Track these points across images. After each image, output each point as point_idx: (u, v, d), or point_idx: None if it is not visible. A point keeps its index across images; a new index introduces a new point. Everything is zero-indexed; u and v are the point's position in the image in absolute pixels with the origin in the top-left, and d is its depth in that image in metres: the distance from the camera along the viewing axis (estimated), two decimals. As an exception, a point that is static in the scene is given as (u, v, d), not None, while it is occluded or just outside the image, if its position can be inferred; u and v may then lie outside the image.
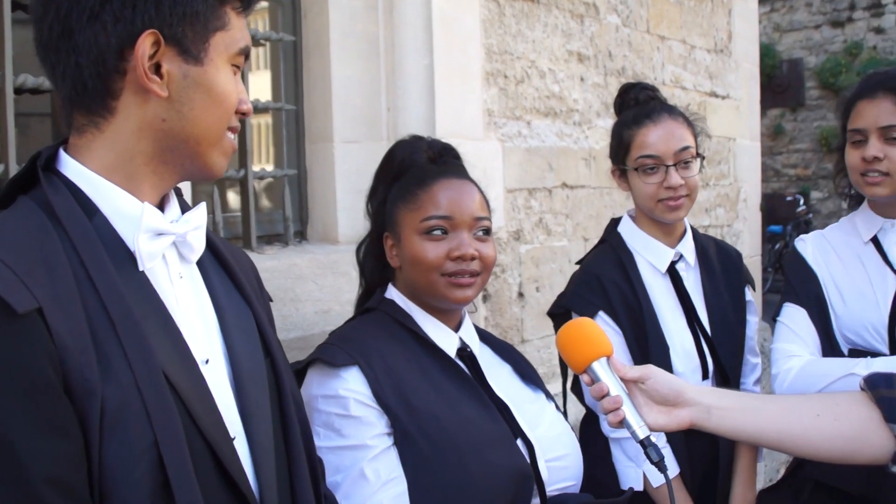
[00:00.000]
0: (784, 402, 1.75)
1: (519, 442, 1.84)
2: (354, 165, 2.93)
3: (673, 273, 2.43)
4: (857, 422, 1.63)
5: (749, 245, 5.18)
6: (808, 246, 2.41)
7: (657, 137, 2.36)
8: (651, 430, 1.64)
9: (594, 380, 1.67)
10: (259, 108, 2.88)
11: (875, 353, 2.20)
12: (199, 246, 1.34)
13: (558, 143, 3.60)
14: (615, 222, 2.57)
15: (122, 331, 1.16)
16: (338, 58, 2.93)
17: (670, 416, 1.67)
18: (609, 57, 3.94)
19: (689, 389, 1.68)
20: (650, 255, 2.43)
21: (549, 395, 2.07)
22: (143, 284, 1.24)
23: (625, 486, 2.38)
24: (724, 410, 1.66)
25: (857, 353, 2.25)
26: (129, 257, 1.24)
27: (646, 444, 1.62)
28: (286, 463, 1.42)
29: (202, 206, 1.35)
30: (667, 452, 2.30)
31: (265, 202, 3.06)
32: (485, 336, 2.10)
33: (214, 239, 1.44)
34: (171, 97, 1.23)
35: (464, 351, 1.95)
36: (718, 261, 2.54)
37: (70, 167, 1.26)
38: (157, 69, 1.22)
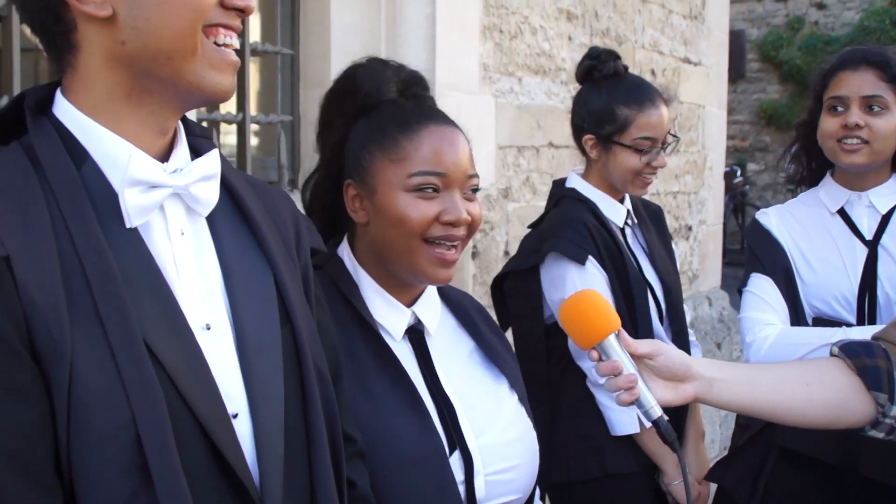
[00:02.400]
0: (775, 372, 1.76)
1: (456, 454, 1.62)
2: (351, 114, 2.85)
3: (621, 229, 2.54)
4: (841, 389, 1.66)
5: (713, 213, 5.25)
6: (772, 218, 2.44)
7: (658, 121, 2.47)
8: (661, 408, 1.58)
9: (603, 356, 1.58)
10: (254, 52, 2.78)
11: (841, 322, 2.25)
12: (208, 199, 1.16)
13: (546, 101, 3.57)
14: (560, 182, 2.62)
15: (98, 292, 1.02)
16: (337, 2, 2.85)
17: (676, 390, 1.62)
18: (595, 17, 3.91)
19: (695, 363, 1.65)
20: (607, 210, 2.51)
21: (513, 384, 1.80)
22: (133, 241, 1.09)
23: (618, 431, 2.40)
24: (724, 382, 1.65)
25: (822, 321, 2.30)
26: (119, 211, 1.09)
27: (660, 424, 1.56)
28: (304, 444, 1.25)
29: (214, 154, 1.18)
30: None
31: (257, 148, 2.97)
32: (451, 298, 1.83)
33: (239, 185, 1.27)
34: (119, 15, 1.07)
35: (413, 332, 1.70)
36: (648, 217, 2.68)
37: (62, 109, 1.12)
38: None
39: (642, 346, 1.60)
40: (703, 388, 1.64)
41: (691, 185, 4.94)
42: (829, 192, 2.40)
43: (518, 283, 2.50)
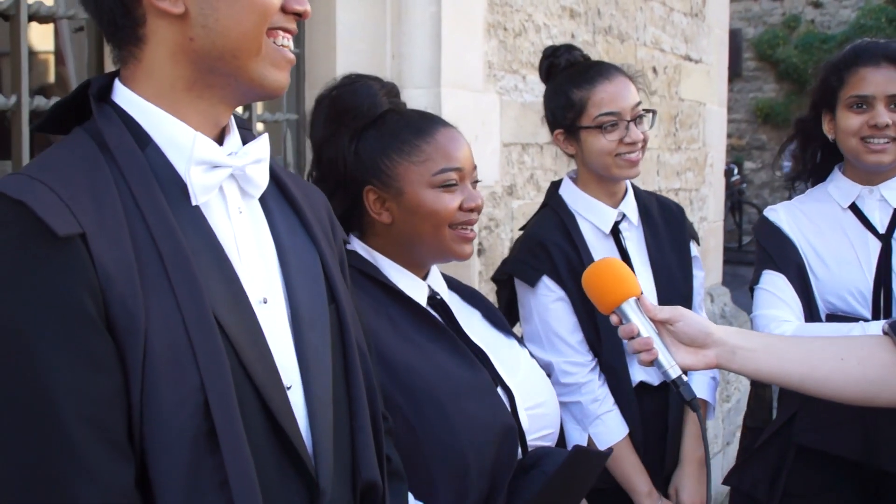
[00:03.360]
0: (808, 345, 1.78)
1: (499, 391, 1.79)
2: (356, 113, 2.85)
3: (616, 234, 2.44)
4: (880, 366, 1.67)
5: (714, 210, 5.25)
6: (781, 214, 2.42)
7: (615, 94, 2.34)
8: (681, 369, 1.66)
9: (623, 320, 1.68)
10: (261, 49, 2.78)
11: (857, 318, 2.23)
12: (261, 180, 1.25)
13: (550, 99, 3.57)
14: (556, 185, 2.55)
15: (171, 266, 1.09)
16: (343, 0, 2.85)
17: (697, 356, 1.69)
18: (598, 15, 3.91)
19: (716, 330, 1.71)
20: (593, 217, 2.43)
21: (520, 341, 2.05)
22: (196, 219, 1.17)
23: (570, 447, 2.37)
24: (749, 351, 1.69)
25: (836, 317, 2.28)
26: (183, 191, 1.16)
27: (678, 384, 1.65)
28: (347, 417, 1.32)
29: (264, 138, 1.26)
30: (615, 415, 2.32)
31: (263, 147, 2.97)
32: (451, 283, 2.03)
33: (282, 174, 1.36)
34: (190, 13, 1.15)
35: (434, 299, 1.89)
36: (661, 217, 2.55)
37: (123, 96, 1.19)
38: None
39: (663, 311, 1.70)
40: (724, 354, 1.69)
41: (692, 182, 4.94)
42: (839, 187, 2.39)
43: (499, 290, 2.53)
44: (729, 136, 16.76)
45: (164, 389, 1.05)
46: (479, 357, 1.82)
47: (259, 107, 2.90)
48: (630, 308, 1.68)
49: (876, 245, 2.30)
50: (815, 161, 2.49)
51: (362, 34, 2.88)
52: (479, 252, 3.18)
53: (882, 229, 2.31)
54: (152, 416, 1.05)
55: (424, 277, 1.90)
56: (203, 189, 1.16)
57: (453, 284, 2.03)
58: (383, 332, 1.73)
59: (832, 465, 2.26)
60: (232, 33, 1.15)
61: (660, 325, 1.70)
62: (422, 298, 1.86)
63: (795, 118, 2.54)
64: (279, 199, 1.33)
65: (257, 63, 1.17)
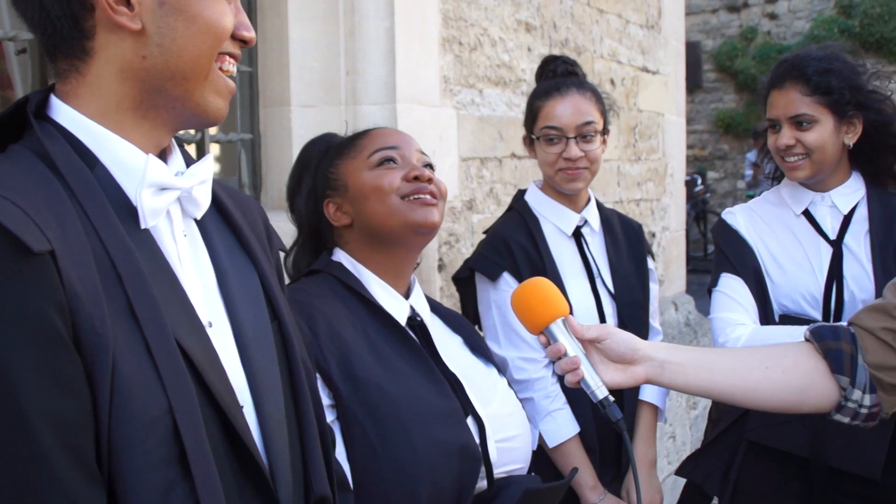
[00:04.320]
0: (735, 356, 1.79)
1: (469, 420, 1.76)
2: (311, 130, 2.80)
3: (577, 237, 2.51)
4: (805, 373, 1.68)
5: (675, 219, 5.27)
6: (739, 217, 2.49)
7: (561, 110, 2.46)
8: (608, 388, 1.65)
9: (551, 340, 1.66)
10: (213, 69, 2.76)
11: (808, 319, 2.29)
12: (204, 202, 1.23)
13: (508, 112, 3.57)
14: (522, 192, 2.64)
15: (131, 289, 1.06)
16: (295, 18, 2.83)
17: (626, 373, 1.68)
18: (554, 28, 3.92)
19: (644, 346, 1.70)
20: (556, 219, 2.51)
21: (500, 370, 2.03)
22: (147, 242, 1.14)
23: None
24: (678, 366, 1.69)
25: (788, 318, 2.35)
26: (130, 213, 1.13)
27: (604, 405, 1.63)
28: (297, 433, 1.31)
29: (209, 159, 1.24)
30: (566, 413, 2.35)
31: (218, 167, 2.94)
32: (434, 306, 2.02)
33: (218, 191, 1.33)
34: (147, 30, 1.12)
35: (414, 320, 1.87)
36: (622, 230, 2.64)
37: (64, 114, 1.15)
38: (127, 0, 1.11)
39: (590, 330, 1.68)
40: (653, 370, 1.68)
41: (653, 192, 4.96)
42: (792, 194, 2.43)
43: (461, 289, 2.58)
44: (691, 146, 16.94)
45: (134, 411, 1.03)
46: (453, 384, 1.80)
47: (213, 128, 2.87)
48: (557, 328, 1.66)
49: (827, 250, 2.36)
50: (772, 167, 2.54)
51: (315, 52, 2.86)
52: (440, 268, 3.16)
53: (833, 235, 2.37)
54: (122, 439, 1.02)
55: (407, 296, 1.88)
56: (153, 212, 1.14)
57: (437, 308, 2.02)
58: (357, 346, 1.72)
59: (782, 461, 2.28)
60: (186, 54, 1.13)
61: (588, 344, 1.68)
62: (402, 318, 1.84)
63: (753, 129, 2.64)
64: (216, 217, 1.31)
65: (204, 88, 1.16)
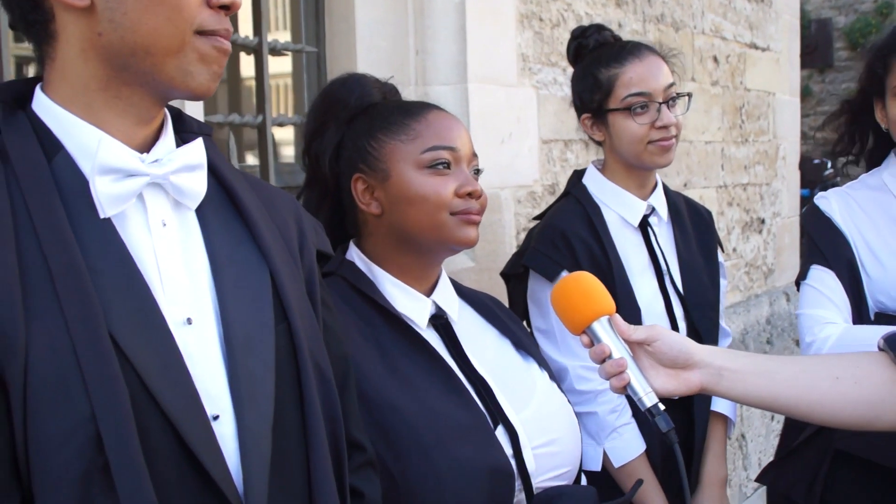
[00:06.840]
0: (800, 365, 1.58)
1: (500, 430, 1.58)
2: (380, 113, 2.73)
3: (644, 228, 2.24)
4: (880, 385, 1.48)
5: (788, 205, 4.97)
6: (833, 203, 2.20)
7: (646, 73, 2.17)
8: (659, 396, 1.49)
9: (594, 341, 1.50)
10: (278, 50, 2.69)
11: None
12: (193, 190, 1.14)
13: (595, 92, 3.39)
14: (579, 174, 2.35)
15: (60, 284, 0.99)
16: (362, -4, 2.74)
17: (679, 379, 1.51)
18: (648, 2, 3.71)
19: (698, 351, 1.52)
20: (620, 208, 2.24)
21: (541, 363, 1.81)
22: (105, 233, 1.06)
23: (584, 465, 2.11)
24: (736, 373, 1.51)
25: (885, 317, 2.07)
26: (93, 202, 1.06)
27: (653, 413, 1.47)
28: (302, 449, 1.20)
29: (197, 143, 1.15)
30: (633, 428, 2.12)
31: (284, 152, 2.87)
32: (467, 294, 1.84)
33: (233, 179, 1.23)
34: (96, 6, 1.05)
35: (438, 319, 1.70)
36: (690, 219, 2.37)
37: (40, 103, 1.11)
38: None
39: (638, 332, 1.51)
40: (710, 377, 1.51)
41: (763, 176, 4.67)
42: (894, 175, 2.17)
43: (512, 285, 2.31)
44: (822, 128, 16.16)
45: (47, 421, 0.95)
46: (482, 390, 1.63)
47: (278, 108, 2.81)
48: (601, 327, 1.50)
49: None
50: (865, 145, 2.27)
51: (383, 31, 2.77)
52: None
53: None
54: (36, 450, 0.95)
55: (430, 292, 1.72)
56: (111, 200, 1.06)
57: (466, 293, 1.84)
58: (369, 360, 1.57)
59: (872, 471, 2.05)
60: (142, 28, 1.06)
61: (636, 346, 1.52)
62: (422, 319, 1.68)
63: (843, 100, 2.34)
64: (225, 208, 1.21)
65: (179, 60, 1.08)
